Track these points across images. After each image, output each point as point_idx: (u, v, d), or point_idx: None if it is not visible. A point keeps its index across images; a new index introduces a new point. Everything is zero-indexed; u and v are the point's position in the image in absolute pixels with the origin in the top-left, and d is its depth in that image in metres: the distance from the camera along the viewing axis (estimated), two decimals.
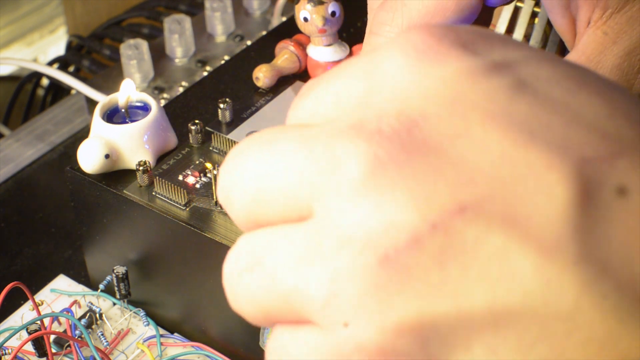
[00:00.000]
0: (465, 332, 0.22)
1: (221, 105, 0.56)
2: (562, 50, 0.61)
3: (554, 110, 0.23)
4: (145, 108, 0.54)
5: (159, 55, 0.75)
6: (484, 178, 0.22)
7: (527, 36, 0.62)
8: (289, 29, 0.63)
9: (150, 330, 0.54)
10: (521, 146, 0.22)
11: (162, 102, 0.70)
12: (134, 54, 0.72)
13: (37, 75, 0.80)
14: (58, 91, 0.83)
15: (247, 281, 0.25)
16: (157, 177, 0.51)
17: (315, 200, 0.24)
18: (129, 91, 0.54)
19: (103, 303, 0.56)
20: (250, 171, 0.25)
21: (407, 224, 0.22)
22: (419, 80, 0.24)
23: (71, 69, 0.82)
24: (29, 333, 0.50)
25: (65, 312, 0.53)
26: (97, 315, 0.55)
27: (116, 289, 0.54)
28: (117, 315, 0.56)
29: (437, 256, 0.22)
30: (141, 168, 0.51)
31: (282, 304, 0.24)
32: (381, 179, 0.23)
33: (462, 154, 0.23)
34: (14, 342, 0.53)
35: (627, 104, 0.23)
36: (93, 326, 0.54)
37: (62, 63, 0.81)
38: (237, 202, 0.25)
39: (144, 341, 0.53)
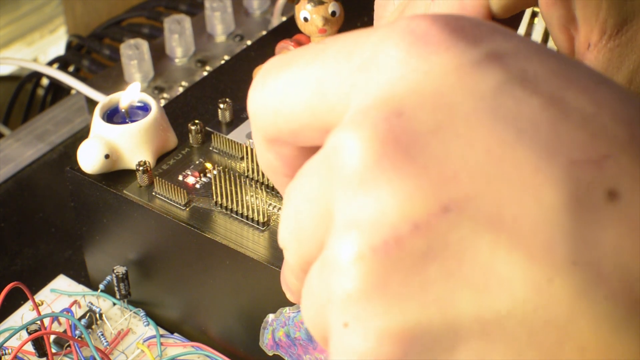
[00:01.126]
0: (450, 340, 0.21)
1: (221, 105, 0.56)
2: None
3: (541, 108, 0.22)
4: (145, 108, 0.54)
5: (159, 55, 0.75)
6: (469, 176, 0.21)
7: (527, 36, 0.62)
8: (289, 29, 0.63)
9: (150, 330, 0.54)
10: (508, 144, 0.21)
11: (162, 102, 0.70)
12: (134, 54, 0.72)
13: (37, 75, 0.80)
14: (58, 91, 0.83)
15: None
16: (157, 177, 0.51)
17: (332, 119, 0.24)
18: (134, 94, 0.54)
19: (103, 303, 0.56)
20: (272, 87, 0.26)
21: (388, 222, 0.22)
22: (408, 73, 0.23)
23: (71, 69, 0.82)
24: (29, 333, 0.50)
25: (65, 312, 0.53)
26: (97, 315, 0.55)
27: (116, 289, 0.54)
28: (117, 315, 0.56)
29: (419, 258, 0.21)
30: (141, 168, 0.51)
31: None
32: (367, 173, 0.22)
33: (446, 149, 0.22)
34: (14, 342, 0.53)
35: (615, 101, 0.23)
36: (93, 326, 0.54)
37: (62, 63, 0.81)
38: (260, 117, 0.26)
39: (144, 341, 0.53)
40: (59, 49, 0.92)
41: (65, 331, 0.53)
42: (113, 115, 0.54)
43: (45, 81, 0.84)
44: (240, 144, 0.53)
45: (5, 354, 0.52)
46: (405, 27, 0.24)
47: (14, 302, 0.56)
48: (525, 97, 0.22)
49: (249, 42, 0.76)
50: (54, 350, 0.52)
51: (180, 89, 0.72)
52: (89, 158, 0.51)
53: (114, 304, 0.56)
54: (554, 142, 0.22)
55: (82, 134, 0.72)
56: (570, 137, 0.22)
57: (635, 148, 0.22)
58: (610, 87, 0.23)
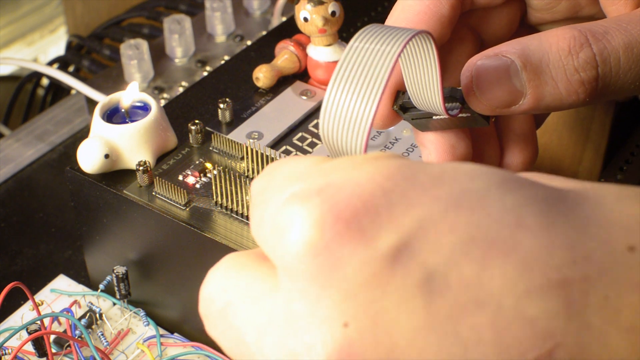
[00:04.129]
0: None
1: (221, 105, 0.56)
2: None
3: (476, 304, 0.23)
4: (145, 108, 0.54)
5: (159, 55, 0.75)
6: None
7: None
8: (289, 29, 0.63)
9: (150, 330, 0.54)
10: None
11: (162, 102, 0.70)
12: (134, 54, 0.72)
13: (37, 75, 0.80)
14: (58, 91, 0.83)
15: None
16: (157, 177, 0.51)
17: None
18: (133, 94, 0.54)
19: (103, 303, 0.56)
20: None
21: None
22: (323, 304, 0.24)
23: (71, 69, 0.82)
24: (29, 333, 0.50)
25: (65, 312, 0.53)
26: (97, 315, 0.55)
27: (116, 289, 0.54)
28: (117, 315, 0.56)
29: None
30: (141, 168, 0.51)
31: None
32: None
33: None
34: (14, 342, 0.53)
35: (541, 260, 0.23)
36: (93, 326, 0.54)
37: (62, 63, 0.81)
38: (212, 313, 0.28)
39: (144, 341, 0.53)
40: (59, 49, 0.92)
41: (65, 331, 0.53)
42: (113, 115, 0.54)
43: (45, 81, 0.84)
44: (240, 144, 0.53)
45: (5, 354, 0.52)
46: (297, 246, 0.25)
47: (14, 302, 0.56)
48: (453, 297, 0.23)
49: (249, 42, 0.76)
50: (54, 350, 0.52)
51: (180, 89, 0.72)
52: (89, 158, 0.51)
53: (114, 304, 0.56)
54: (502, 349, 0.23)
55: (82, 134, 0.72)
56: (515, 336, 0.23)
57: (574, 324, 0.23)
58: (534, 235, 0.24)
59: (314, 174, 0.26)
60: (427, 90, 0.40)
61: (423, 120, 0.43)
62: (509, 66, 0.39)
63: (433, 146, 0.45)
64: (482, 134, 0.47)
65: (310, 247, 0.24)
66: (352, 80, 0.30)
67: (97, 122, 0.53)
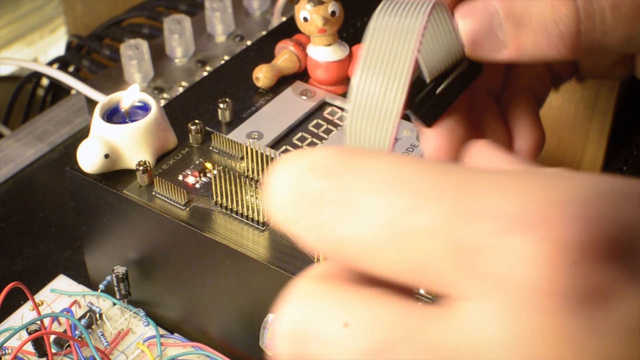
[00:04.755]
0: None
1: (221, 105, 0.56)
2: None
3: None
4: (145, 108, 0.54)
5: (159, 55, 0.75)
6: None
7: None
8: (289, 29, 0.63)
9: (150, 330, 0.54)
10: None
11: (162, 102, 0.70)
12: (134, 54, 0.72)
13: (37, 75, 0.80)
14: (58, 91, 0.83)
15: None
16: (157, 177, 0.51)
17: None
18: (134, 96, 0.54)
19: (103, 303, 0.56)
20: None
21: None
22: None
23: (71, 69, 0.82)
24: (29, 333, 0.50)
25: (65, 312, 0.53)
26: (97, 315, 0.55)
27: (116, 289, 0.54)
28: (117, 315, 0.56)
29: None
30: (141, 168, 0.51)
31: None
32: None
33: None
34: (14, 342, 0.53)
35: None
36: (93, 326, 0.54)
37: (62, 63, 0.81)
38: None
39: (144, 341, 0.53)
40: (59, 49, 0.92)
41: (65, 331, 0.53)
42: (113, 115, 0.54)
43: (45, 81, 0.84)
44: (240, 144, 0.53)
45: (5, 354, 0.52)
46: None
47: (14, 302, 0.56)
48: None
49: (249, 42, 0.76)
50: (54, 350, 0.52)
51: (180, 89, 0.72)
52: (89, 158, 0.51)
53: (114, 304, 0.56)
54: None
55: (82, 134, 0.72)
56: None
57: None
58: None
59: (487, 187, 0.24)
60: (442, 43, 0.40)
61: (429, 105, 0.43)
62: (493, 15, 0.39)
63: (431, 131, 0.44)
64: (488, 124, 0.47)
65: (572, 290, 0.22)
66: (380, 64, 0.29)
67: (97, 122, 0.53)
